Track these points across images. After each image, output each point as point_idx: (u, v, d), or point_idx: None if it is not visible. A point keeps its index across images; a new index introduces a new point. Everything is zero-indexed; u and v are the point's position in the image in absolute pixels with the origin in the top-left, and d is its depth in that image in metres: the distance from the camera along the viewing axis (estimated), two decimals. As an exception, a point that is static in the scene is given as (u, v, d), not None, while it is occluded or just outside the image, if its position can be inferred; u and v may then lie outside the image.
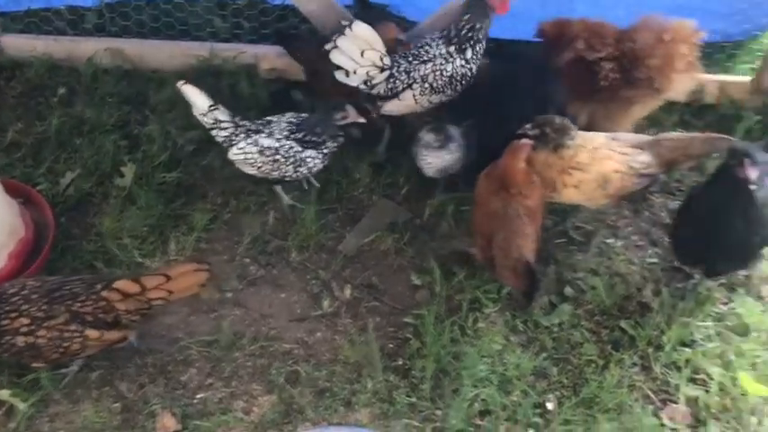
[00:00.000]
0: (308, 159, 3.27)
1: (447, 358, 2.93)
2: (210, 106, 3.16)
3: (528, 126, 3.03)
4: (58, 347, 2.66)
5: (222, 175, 3.59)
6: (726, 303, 3.20)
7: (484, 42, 3.43)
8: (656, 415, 2.85)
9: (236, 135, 3.21)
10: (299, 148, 3.24)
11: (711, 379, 2.92)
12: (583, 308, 3.16)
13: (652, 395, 2.91)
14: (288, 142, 3.22)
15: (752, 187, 2.61)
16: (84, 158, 3.60)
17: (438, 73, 3.35)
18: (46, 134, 3.73)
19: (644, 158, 3.09)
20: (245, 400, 2.87)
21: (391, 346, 3.03)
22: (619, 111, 3.42)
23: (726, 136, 3.26)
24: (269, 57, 3.97)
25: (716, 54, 4.20)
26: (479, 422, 2.79)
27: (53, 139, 3.70)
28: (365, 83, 3.31)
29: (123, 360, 2.95)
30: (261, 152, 3.21)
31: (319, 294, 3.20)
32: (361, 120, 3.29)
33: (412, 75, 3.34)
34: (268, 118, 3.33)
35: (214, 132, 3.22)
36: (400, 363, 2.96)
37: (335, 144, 3.31)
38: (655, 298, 3.18)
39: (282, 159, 3.23)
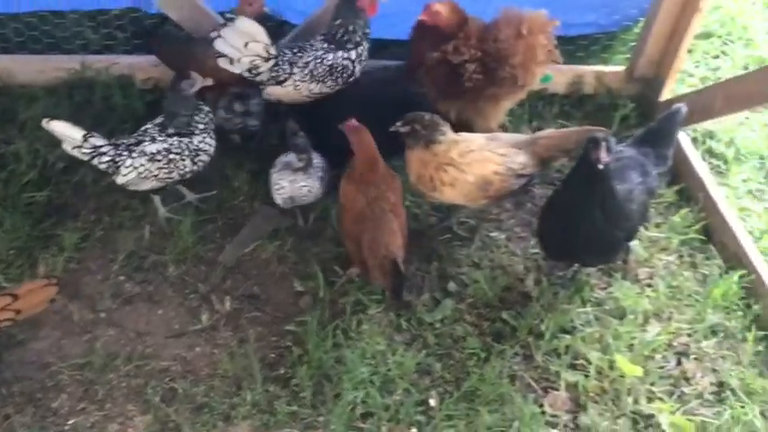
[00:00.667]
0: (201, 144, 3.19)
1: (329, 363, 2.89)
2: (85, 135, 2.98)
3: (399, 123, 3.02)
4: None
5: (95, 191, 3.45)
6: (604, 288, 3.27)
7: (365, 43, 3.43)
8: (538, 403, 2.87)
9: (120, 156, 3.07)
10: (188, 139, 3.16)
11: (590, 363, 2.96)
12: (465, 302, 3.17)
13: (534, 384, 2.94)
14: (174, 139, 3.13)
15: (600, 166, 2.66)
16: (-57, 182, 3.41)
17: (319, 62, 3.35)
18: None
19: (521, 159, 3.12)
20: (120, 422, 2.75)
21: (273, 355, 2.97)
22: (486, 107, 3.47)
23: (600, 128, 3.33)
24: (144, 66, 3.86)
25: (592, 46, 4.32)
26: (362, 425, 2.75)
27: None
28: (249, 71, 3.28)
29: (-14, 392, 2.80)
30: (152, 159, 3.10)
31: (198, 308, 3.10)
32: (209, 82, 3.18)
33: (295, 64, 3.34)
34: (143, 127, 3.22)
35: (95, 161, 3.05)
36: (281, 372, 2.90)
37: (205, 115, 3.21)
38: (535, 287, 3.22)
39: (177, 156, 3.14)
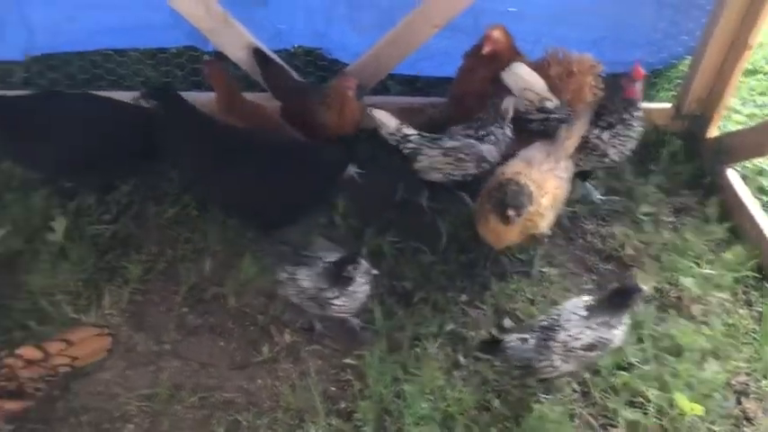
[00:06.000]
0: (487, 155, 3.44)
1: (390, 398, 2.92)
2: (397, 125, 3.51)
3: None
4: None
5: (157, 224, 3.56)
6: (658, 325, 3.28)
7: (628, 129, 3.41)
8: (597, 440, 2.88)
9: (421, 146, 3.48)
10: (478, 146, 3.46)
11: (649, 401, 2.97)
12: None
13: (593, 421, 2.94)
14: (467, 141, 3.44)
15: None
16: (14, 215, 3.52)
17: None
18: (-27, 192, 3.65)
19: (564, 164, 3.23)
20: (186, 454, 2.81)
21: (333, 389, 3.01)
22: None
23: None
24: (203, 102, 3.95)
25: (638, 83, 4.36)
26: (424, 461, 2.78)
27: (-20, 197, 3.62)
28: (524, 114, 3.53)
29: (58, 421, 2.85)
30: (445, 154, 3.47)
31: (258, 340, 3.16)
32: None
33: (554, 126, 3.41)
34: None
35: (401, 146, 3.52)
36: (343, 406, 2.94)
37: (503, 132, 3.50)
38: (591, 324, 3.23)
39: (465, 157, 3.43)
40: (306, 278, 2.97)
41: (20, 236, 3.44)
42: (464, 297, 3.33)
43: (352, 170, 3.80)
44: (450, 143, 3.45)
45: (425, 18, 3.76)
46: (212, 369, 3.07)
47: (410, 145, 3.47)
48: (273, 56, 3.91)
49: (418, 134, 3.48)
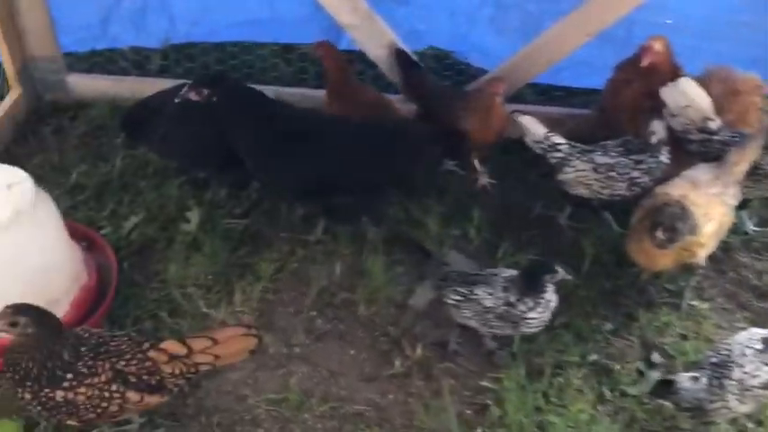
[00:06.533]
0: (638, 179, 3.22)
1: (531, 428, 2.74)
2: (546, 133, 3.28)
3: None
4: (96, 407, 2.44)
5: (289, 222, 3.47)
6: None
7: None
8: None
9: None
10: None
11: (819, 460, 2.69)
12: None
13: (755, 475, 2.69)
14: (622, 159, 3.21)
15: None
16: (148, 202, 3.51)
17: None
18: (109, 176, 3.66)
19: (732, 190, 3.02)
20: (316, 465, 2.70)
21: (469, 412, 2.84)
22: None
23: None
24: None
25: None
26: (569, 500, 2.59)
27: (116, 182, 3.63)
28: (682, 132, 3.27)
29: (188, 418, 2.79)
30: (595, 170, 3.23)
31: (389, 352, 3.03)
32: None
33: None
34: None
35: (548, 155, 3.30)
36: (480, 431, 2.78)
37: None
38: (751, 368, 2.96)
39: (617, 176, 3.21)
40: (488, 296, 2.80)
41: (154, 224, 3.43)
42: (608, 326, 3.12)
43: (448, 163, 3.67)
44: (602, 159, 3.22)
45: (579, 25, 3.56)
46: (342, 378, 2.95)
47: (558, 154, 3.25)
48: (415, 57, 3.78)
49: (568, 144, 3.26)
